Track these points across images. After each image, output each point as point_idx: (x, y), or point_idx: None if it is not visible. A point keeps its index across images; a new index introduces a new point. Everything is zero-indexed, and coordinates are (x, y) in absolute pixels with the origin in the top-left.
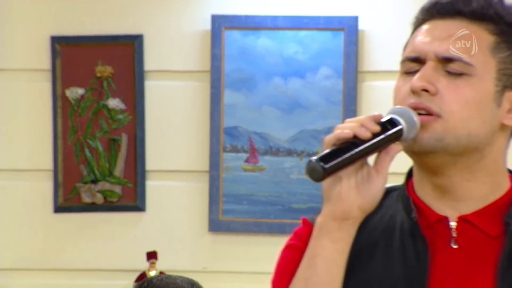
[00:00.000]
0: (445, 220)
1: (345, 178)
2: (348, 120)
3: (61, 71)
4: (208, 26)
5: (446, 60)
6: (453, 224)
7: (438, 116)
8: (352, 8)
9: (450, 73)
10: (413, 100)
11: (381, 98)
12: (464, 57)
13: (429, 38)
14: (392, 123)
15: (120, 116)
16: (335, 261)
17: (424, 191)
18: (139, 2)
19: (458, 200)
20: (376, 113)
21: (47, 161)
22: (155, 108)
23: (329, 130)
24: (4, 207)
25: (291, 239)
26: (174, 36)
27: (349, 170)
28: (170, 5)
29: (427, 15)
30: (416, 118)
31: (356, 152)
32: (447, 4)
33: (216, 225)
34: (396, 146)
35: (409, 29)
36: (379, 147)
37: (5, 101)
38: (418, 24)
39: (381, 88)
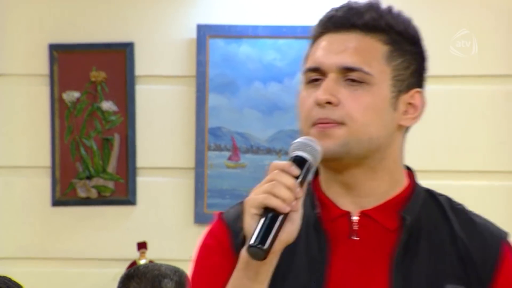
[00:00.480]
0: (347, 214)
1: None
2: (276, 178)
3: (58, 76)
4: (193, 34)
5: (347, 70)
6: (355, 218)
7: (342, 123)
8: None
9: (350, 84)
10: (320, 115)
11: None
12: (364, 67)
13: (329, 51)
14: (300, 160)
15: (113, 118)
16: None
17: (330, 188)
18: (131, 12)
19: (361, 196)
20: (288, 163)
21: (45, 159)
22: (145, 110)
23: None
24: (5, 201)
25: (207, 238)
26: (163, 43)
27: None
28: (159, 15)
29: (323, 28)
30: (318, 147)
31: (284, 219)
32: (341, 18)
33: (201, 218)
34: (307, 182)
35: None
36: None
37: (7, 103)
38: (316, 36)
39: None
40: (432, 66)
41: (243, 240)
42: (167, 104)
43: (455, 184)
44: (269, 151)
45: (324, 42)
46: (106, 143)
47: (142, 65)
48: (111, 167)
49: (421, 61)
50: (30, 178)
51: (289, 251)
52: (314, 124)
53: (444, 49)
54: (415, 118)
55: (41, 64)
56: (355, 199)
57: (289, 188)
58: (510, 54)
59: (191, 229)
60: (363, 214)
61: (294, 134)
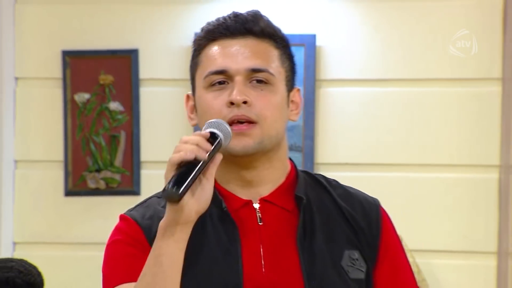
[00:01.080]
0: (249, 203)
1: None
2: (185, 140)
3: (70, 79)
4: (190, 42)
5: (254, 72)
6: (256, 205)
7: (256, 123)
8: (311, 28)
9: (255, 85)
10: (236, 113)
11: (335, 102)
12: (269, 68)
13: (233, 55)
14: (212, 136)
15: (120, 117)
16: (177, 258)
17: (230, 181)
18: (135, 22)
19: (259, 185)
20: (203, 131)
21: (59, 154)
22: (149, 110)
23: (292, 127)
24: (23, 191)
25: (114, 235)
26: (164, 50)
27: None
28: (160, 25)
29: (215, 35)
30: (229, 128)
31: (197, 171)
32: (235, 25)
33: None
34: (219, 156)
35: (358, 44)
36: (209, 161)
37: (24, 103)
38: (203, 44)
39: (335, 93)
40: (412, 70)
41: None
42: (168, 104)
43: (413, 177)
44: None
45: (221, 47)
46: (113, 140)
47: (145, 69)
48: (118, 161)
49: (294, 63)
50: (45, 170)
51: (200, 244)
52: (229, 122)
53: (421, 55)
54: (298, 114)
55: (55, 68)
56: (254, 189)
57: (198, 144)
58: (477, 60)
59: None
60: (263, 200)
61: None
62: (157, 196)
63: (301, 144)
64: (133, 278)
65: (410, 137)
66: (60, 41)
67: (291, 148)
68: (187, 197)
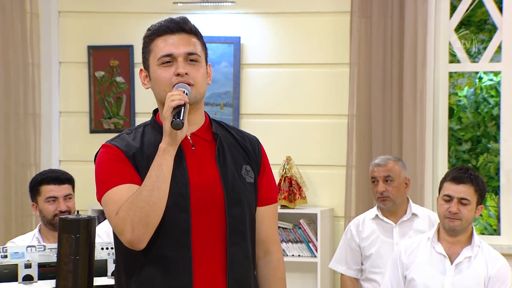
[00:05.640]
0: (186, 136)
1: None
2: (172, 93)
3: (92, 63)
4: None
5: (189, 55)
6: (189, 137)
7: (193, 85)
8: (238, 32)
9: (190, 63)
10: (181, 80)
11: (252, 77)
12: (197, 52)
13: (176, 45)
14: (184, 92)
15: (122, 86)
16: (171, 166)
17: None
18: (132, 28)
19: (191, 125)
20: (179, 89)
21: (86, 107)
22: (140, 81)
23: (227, 93)
24: (65, 130)
25: (102, 156)
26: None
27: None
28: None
29: (161, 32)
30: (190, 88)
31: (185, 110)
32: (175, 25)
33: None
34: (188, 104)
35: (267, 43)
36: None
37: (65, 78)
38: (153, 37)
39: (252, 72)
40: (297, 58)
41: (134, 154)
42: None
43: (298, 121)
44: (206, 104)
45: (167, 39)
46: (118, 99)
47: (138, 57)
48: (122, 112)
49: (207, 49)
50: (78, 118)
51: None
52: (174, 85)
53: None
54: (210, 79)
55: (84, 56)
56: (189, 127)
57: (181, 95)
58: (335, 52)
59: None
60: (193, 134)
61: (221, 95)
62: (126, 132)
63: (232, 102)
64: (127, 181)
65: (297, 98)
66: (86, 39)
67: (226, 105)
68: (181, 132)
